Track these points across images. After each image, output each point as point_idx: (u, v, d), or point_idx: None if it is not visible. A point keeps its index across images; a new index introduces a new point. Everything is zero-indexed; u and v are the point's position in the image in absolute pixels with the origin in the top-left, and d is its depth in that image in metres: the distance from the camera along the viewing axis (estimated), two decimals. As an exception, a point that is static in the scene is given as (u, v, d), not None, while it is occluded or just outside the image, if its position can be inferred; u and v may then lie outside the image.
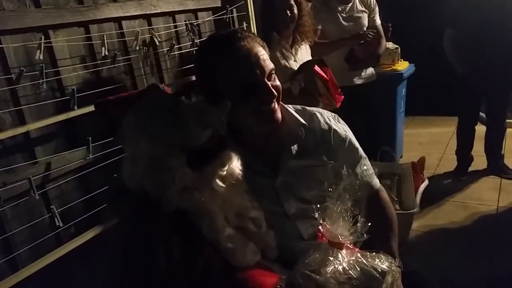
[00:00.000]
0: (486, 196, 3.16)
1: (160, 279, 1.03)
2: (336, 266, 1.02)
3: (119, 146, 1.66)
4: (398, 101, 3.61)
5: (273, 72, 1.18)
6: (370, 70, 3.01)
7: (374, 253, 1.07)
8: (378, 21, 3.00)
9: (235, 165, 1.08)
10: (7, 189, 1.43)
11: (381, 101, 3.27)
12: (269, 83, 1.15)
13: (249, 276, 1.06)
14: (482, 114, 3.53)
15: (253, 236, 1.12)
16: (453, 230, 2.80)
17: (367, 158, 1.39)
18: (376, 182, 1.41)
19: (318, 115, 1.32)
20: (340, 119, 1.37)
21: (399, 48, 3.61)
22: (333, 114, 1.37)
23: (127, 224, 1.16)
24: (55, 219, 1.56)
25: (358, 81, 2.92)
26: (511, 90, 3.31)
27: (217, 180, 1.04)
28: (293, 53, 2.30)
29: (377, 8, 2.98)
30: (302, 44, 2.39)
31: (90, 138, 1.64)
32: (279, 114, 1.20)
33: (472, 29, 3.05)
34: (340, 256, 1.04)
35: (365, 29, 2.89)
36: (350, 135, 1.35)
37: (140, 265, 1.05)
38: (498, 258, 2.45)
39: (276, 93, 1.16)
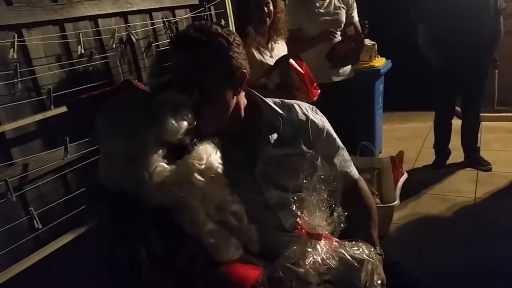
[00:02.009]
0: (463, 188, 3.24)
1: (144, 276, 1.02)
2: (315, 257, 1.03)
3: (97, 146, 1.64)
4: (376, 97, 3.66)
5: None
6: (348, 67, 3.04)
7: (353, 242, 1.09)
8: (356, 17, 3.03)
9: (214, 158, 1.08)
10: (-18, 191, 1.40)
11: (359, 97, 3.31)
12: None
13: (231, 270, 1.06)
14: (457, 108, 3.61)
15: (235, 230, 1.12)
16: (432, 222, 2.86)
17: (345, 149, 1.41)
18: (354, 171, 1.43)
19: (296, 106, 1.33)
20: (318, 110, 1.38)
21: (376, 45, 3.66)
22: (311, 105, 1.38)
23: (106, 223, 1.14)
24: (34, 221, 1.53)
25: (336, 78, 2.95)
26: (485, 83, 3.39)
27: (196, 174, 1.03)
28: (269, 49, 2.32)
29: (355, 4, 3.02)
30: (278, 41, 2.41)
31: (67, 138, 1.61)
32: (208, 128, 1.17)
33: (444, 23, 3.10)
34: (318, 247, 1.05)
35: (342, 25, 2.92)
36: (328, 126, 1.36)
37: (123, 263, 1.04)
38: (476, 247, 2.51)
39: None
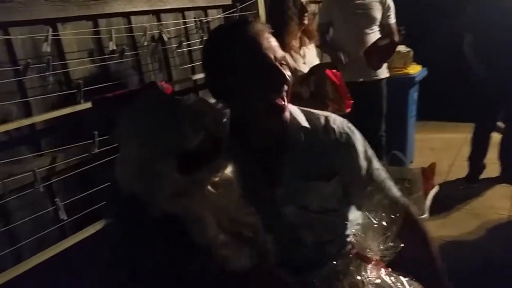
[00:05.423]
0: (498, 204, 3.10)
1: (148, 282, 1.00)
2: (356, 278, 0.99)
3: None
4: (409, 105, 3.57)
5: (284, 61, 1.08)
6: (384, 66, 3.01)
7: (400, 277, 1.03)
8: (392, 19, 2.98)
9: (229, 170, 1.02)
10: (12, 180, 1.42)
11: (392, 104, 3.23)
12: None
13: None
14: (499, 123, 3.47)
15: (249, 241, 1.08)
16: (463, 238, 2.74)
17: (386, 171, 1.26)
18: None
19: (327, 119, 1.21)
20: (352, 126, 1.23)
21: (411, 51, 3.57)
22: (345, 120, 1.24)
23: (116, 225, 1.13)
24: (59, 212, 1.56)
25: (376, 76, 2.94)
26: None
27: (209, 187, 0.98)
28: (302, 55, 2.27)
29: (392, 6, 2.97)
30: (309, 46, 2.37)
31: (96, 132, 1.64)
32: (287, 114, 1.10)
33: (491, 35, 3.01)
34: (363, 269, 1.01)
35: (377, 22, 2.91)
36: (362, 145, 1.22)
37: (126, 268, 1.02)
38: (508, 265, 2.40)
39: (288, 78, 1.06)
